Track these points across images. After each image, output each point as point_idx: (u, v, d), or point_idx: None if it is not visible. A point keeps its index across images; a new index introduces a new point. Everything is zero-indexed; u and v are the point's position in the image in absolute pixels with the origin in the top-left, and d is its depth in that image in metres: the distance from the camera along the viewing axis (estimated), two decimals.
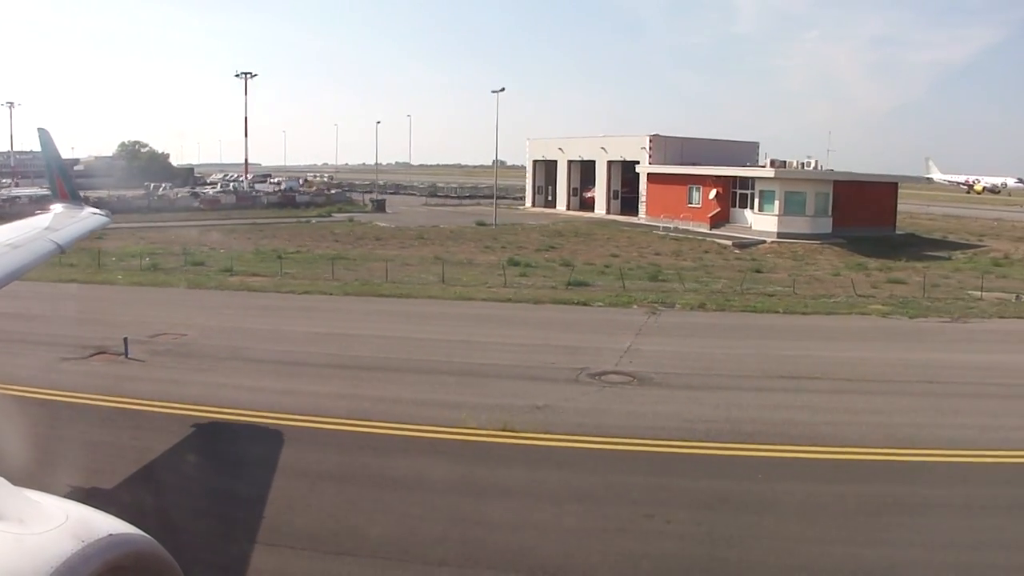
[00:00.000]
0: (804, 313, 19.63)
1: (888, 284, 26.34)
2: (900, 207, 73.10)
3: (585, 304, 19.99)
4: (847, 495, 8.49)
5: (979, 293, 24.02)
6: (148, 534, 2.29)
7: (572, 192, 53.68)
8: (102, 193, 50.68)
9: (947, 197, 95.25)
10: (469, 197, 69.00)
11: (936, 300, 22.74)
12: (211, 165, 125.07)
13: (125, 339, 14.14)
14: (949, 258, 36.87)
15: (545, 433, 10.08)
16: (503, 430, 10.13)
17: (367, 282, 23.63)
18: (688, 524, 7.69)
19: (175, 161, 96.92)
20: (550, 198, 55.72)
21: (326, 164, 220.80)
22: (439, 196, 68.59)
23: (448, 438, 9.92)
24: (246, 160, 72.43)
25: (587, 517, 7.73)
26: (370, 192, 75.32)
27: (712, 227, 40.49)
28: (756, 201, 39.17)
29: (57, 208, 9.41)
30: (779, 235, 37.59)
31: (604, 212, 49.90)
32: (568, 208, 53.22)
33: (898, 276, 28.20)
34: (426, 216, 49.56)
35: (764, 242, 37.04)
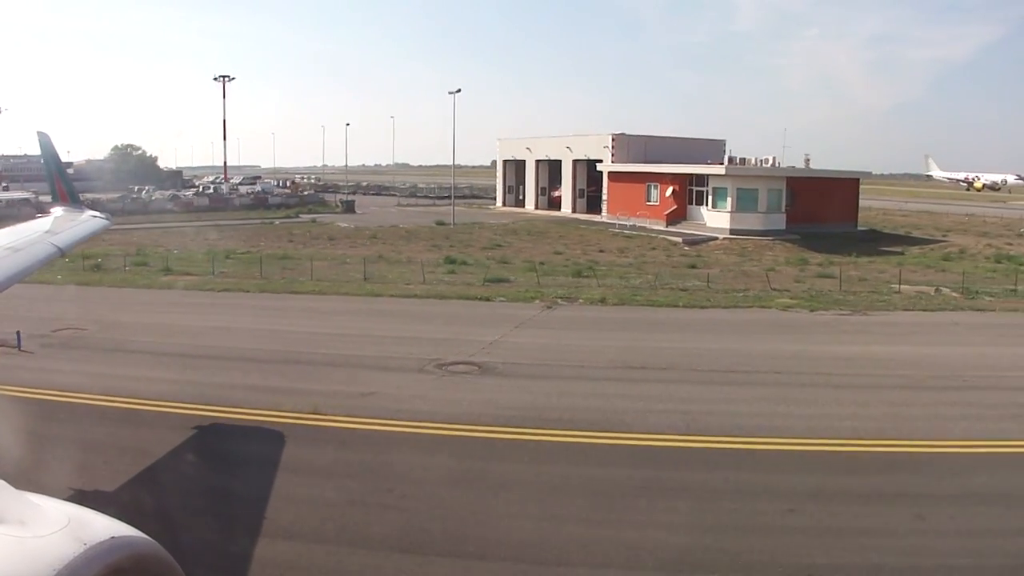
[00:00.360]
0: (703, 307, 19.92)
1: (816, 279, 26.54)
2: (879, 204, 73.38)
3: (488, 300, 20.38)
4: (597, 478, 8.83)
5: (900, 287, 24.22)
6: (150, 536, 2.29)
7: (540, 191, 54.06)
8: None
9: (940, 194, 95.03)
10: (447, 197, 69.50)
11: (852, 294, 22.95)
12: (207, 168, 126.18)
13: (17, 332, 14.78)
14: (902, 253, 36.99)
15: (348, 416, 10.54)
16: (312, 413, 10.61)
17: (294, 280, 24.12)
18: (423, 500, 8.09)
19: (173, 164, 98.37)
20: (520, 198, 56.13)
21: (326, 166, 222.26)
22: (418, 197, 69.08)
23: (252, 419, 10.42)
24: (224, 163, 73.39)
25: (318, 488, 8.19)
26: (353, 193, 76.11)
27: (668, 224, 40.73)
28: (710, 198, 39.38)
29: (57, 211, 9.51)
30: (732, 232, 37.78)
31: (570, 211, 50.22)
32: (536, 207, 53.60)
33: (830, 271, 28.38)
34: (394, 216, 50.08)
35: (716, 239, 37.24)
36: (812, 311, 19.80)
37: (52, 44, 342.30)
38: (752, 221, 38.07)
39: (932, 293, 23.90)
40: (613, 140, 46.73)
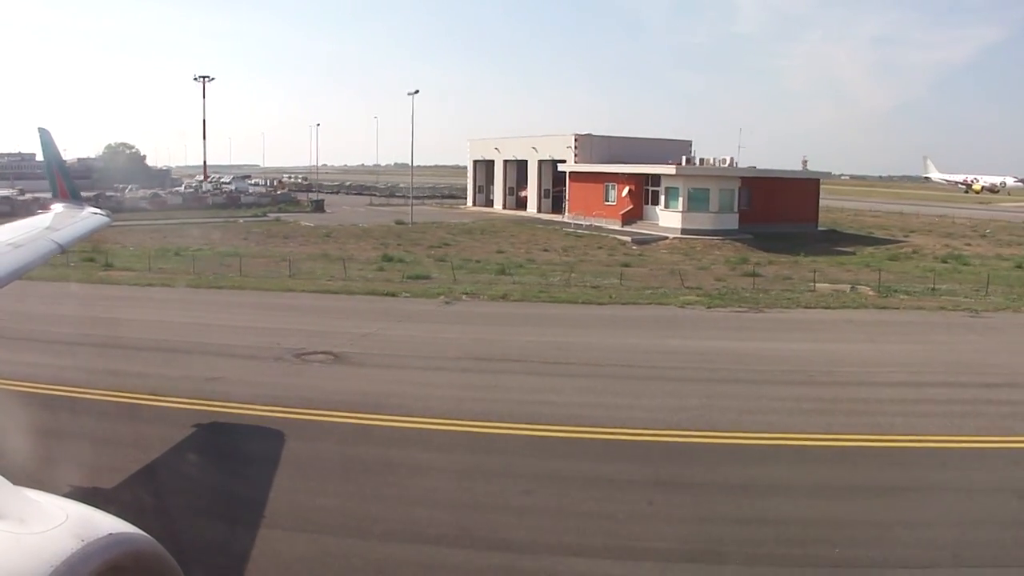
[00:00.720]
0: (601, 304, 20.40)
1: (742, 277, 26.95)
2: (856, 205, 73.37)
3: (394, 295, 20.96)
4: (371, 458, 9.38)
5: (816, 285, 24.62)
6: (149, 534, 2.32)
7: (508, 191, 54.63)
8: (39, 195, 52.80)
9: (928, 196, 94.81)
10: (428, 197, 70.19)
11: (764, 292, 23.37)
12: (209, 167, 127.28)
13: None
14: (854, 253, 37.30)
15: (181, 398, 11.11)
16: (148, 395, 11.24)
17: (222, 276, 24.79)
18: (187, 470, 8.69)
19: (170, 163, 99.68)
20: (490, 198, 56.71)
21: (325, 165, 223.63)
22: (396, 196, 69.81)
23: (90, 398, 11.07)
24: (204, 162, 74.40)
25: (105, 456, 8.81)
26: (336, 193, 76.87)
27: (624, 224, 41.19)
28: (663, 198, 39.82)
29: (58, 208, 9.59)
30: (683, 231, 38.20)
31: (536, 211, 50.75)
32: (504, 207, 54.16)
33: (760, 270, 28.82)
34: (360, 216, 50.75)
35: (666, 238, 37.69)
36: (709, 308, 20.24)
37: (52, 42, 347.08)
38: (703, 221, 38.46)
39: (847, 291, 24.30)
40: (576, 140, 47.23)
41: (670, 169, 39.12)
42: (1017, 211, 66.21)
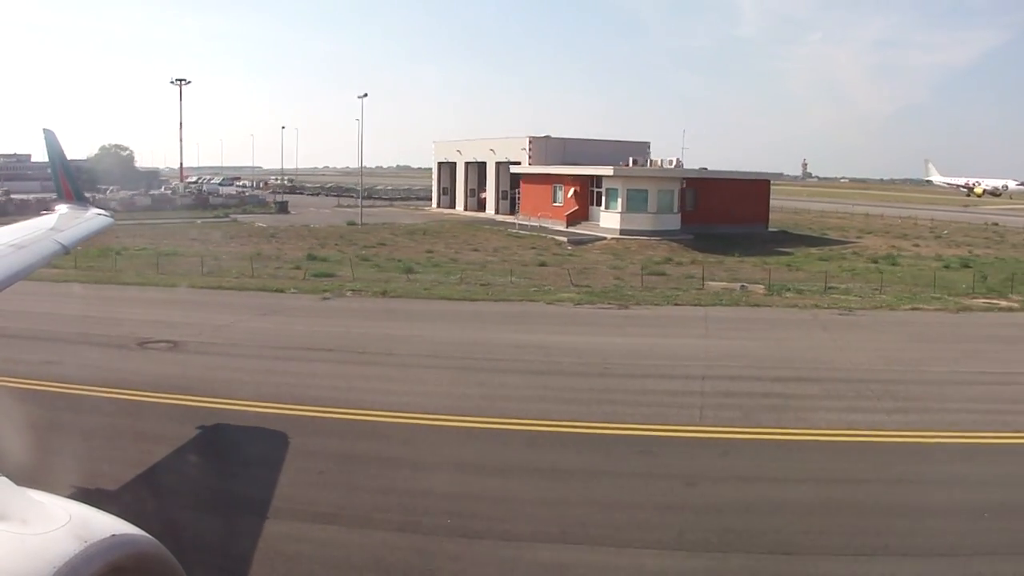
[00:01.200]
0: (474, 300, 21.42)
1: (651, 276, 27.80)
2: (823, 206, 73.57)
3: (281, 291, 22.13)
4: (141, 429, 10.52)
5: (706, 283, 25.50)
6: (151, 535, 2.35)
7: (469, 193, 55.71)
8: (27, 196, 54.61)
9: (923, 199, 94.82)
10: (402, 199, 71.52)
11: (649, 290, 24.25)
12: (202, 168, 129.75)
13: None
14: (792, 253, 37.89)
15: (12, 377, 12.15)
16: None
17: (140, 273, 26.09)
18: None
19: (163, 164, 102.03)
20: (454, 199, 57.84)
21: (327, 167, 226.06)
22: (374, 198, 71.16)
23: None
24: (181, 164, 76.21)
25: None
26: (317, 195, 78.43)
27: (569, 225, 42.11)
28: (604, 199, 40.71)
29: (62, 209, 9.71)
30: (622, 232, 39.02)
31: (494, 212, 51.79)
32: (466, 209, 55.26)
33: (674, 269, 29.69)
34: (322, 217, 52.05)
35: (604, 239, 38.54)
36: (576, 305, 21.19)
37: (49, 42, 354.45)
38: (642, 221, 39.27)
39: (736, 290, 25.11)
40: (530, 143, 48.23)
41: (608, 170, 39.99)
42: (1003, 214, 66.27)
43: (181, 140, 72.79)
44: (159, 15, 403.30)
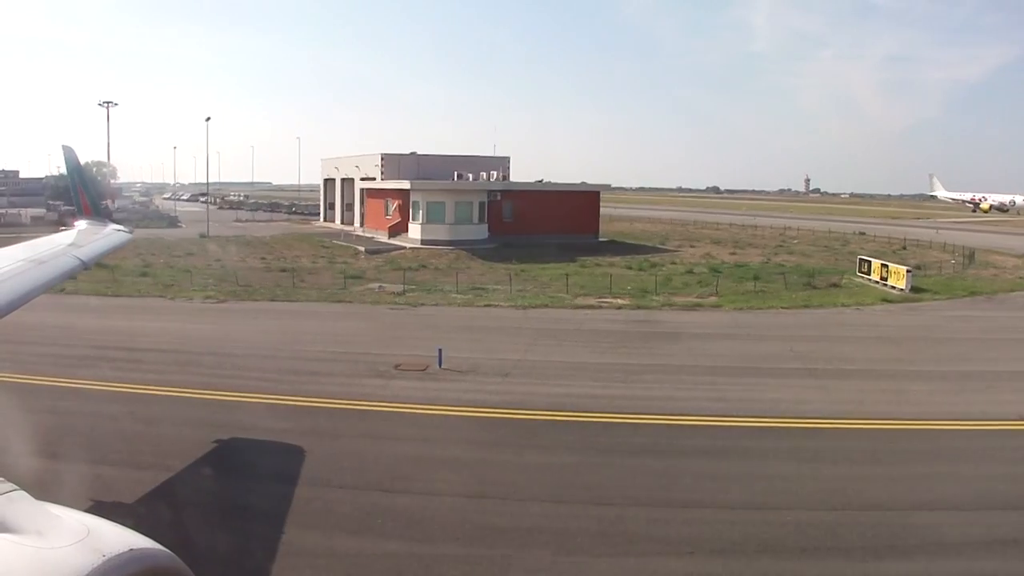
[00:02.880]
0: (163, 297, 26.29)
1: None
2: (734, 219, 74.87)
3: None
4: None
5: (369, 285, 28.83)
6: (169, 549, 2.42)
7: (346, 207, 59.87)
8: None
9: (880, 214, 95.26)
10: (301, 214, 76.61)
11: (318, 289, 27.88)
12: (189, 184, 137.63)
13: None
14: (574, 260, 39.79)
15: None
16: None
17: None
18: None
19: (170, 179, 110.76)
20: (336, 213, 62.23)
21: (308, 185, 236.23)
22: (290, 214, 76.73)
23: None
24: (109, 181, 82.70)
25: None
26: (254, 210, 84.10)
27: (390, 236, 45.94)
28: (411, 212, 44.28)
29: (81, 224, 9.98)
30: (423, 242, 42.53)
31: (359, 225, 55.78)
32: (343, 223, 59.45)
33: (418, 276, 32.63)
34: (202, 229, 56.89)
35: (403, 248, 42.07)
36: (205, 300, 25.10)
37: (44, 57, 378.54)
38: (441, 232, 42.73)
39: (376, 290, 28.01)
40: (382, 159, 52.15)
41: (406, 184, 43.58)
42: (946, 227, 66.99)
43: (109, 158, 79.49)
44: (185, 31, 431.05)
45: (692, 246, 49.39)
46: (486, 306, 25.35)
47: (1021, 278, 35.43)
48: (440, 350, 16.52)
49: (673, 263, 39.76)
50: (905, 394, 15.19)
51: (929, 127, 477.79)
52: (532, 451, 11.75)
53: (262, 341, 19.40)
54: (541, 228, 45.34)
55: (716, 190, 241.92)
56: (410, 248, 42.03)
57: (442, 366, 16.22)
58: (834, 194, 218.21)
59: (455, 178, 47.31)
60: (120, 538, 2.32)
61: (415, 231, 43.76)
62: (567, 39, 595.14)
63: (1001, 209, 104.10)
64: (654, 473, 10.91)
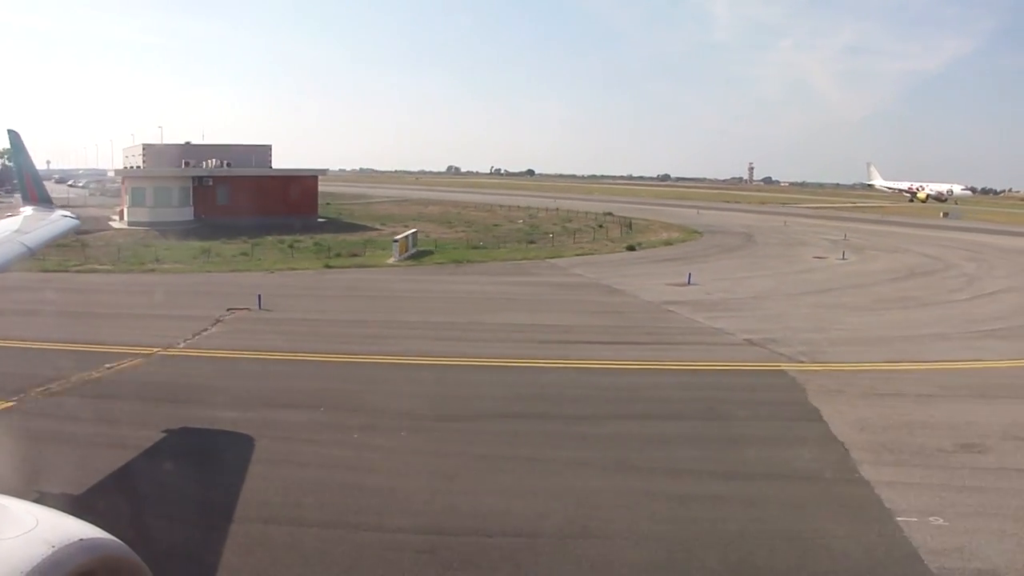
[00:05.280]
0: None
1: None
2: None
3: None
4: None
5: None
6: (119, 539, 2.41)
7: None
8: None
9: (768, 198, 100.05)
10: None
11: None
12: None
13: None
14: (290, 239, 46.00)
15: None
16: None
17: None
18: None
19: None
20: None
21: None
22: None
23: None
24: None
25: None
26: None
27: (120, 220, 53.13)
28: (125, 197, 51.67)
29: (27, 211, 9.86)
30: (129, 223, 49.77)
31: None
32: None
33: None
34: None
35: (110, 229, 49.34)
36: None
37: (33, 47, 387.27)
38: (142, 214, 49.98)
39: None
40: (144, 149, 59.41)
41: (112, 171, 50.89)
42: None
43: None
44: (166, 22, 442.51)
45: (406, 226, 55.74)
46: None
47: (592, 251, 41.27)
48: None
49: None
50: None
51: (882, 118, 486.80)
52: None
53: None
54: (261, 210, 51.91)
55: (667, 178, 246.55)
56: (115, 229, 49.22)
57: None
58: (776, 182, 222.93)
59: (183, 166, 54.34)
60: (70, 529, 2.34)
61: (125, 214, 51.10)
62: (527, 28, 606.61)
63: (939, 199, 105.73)
64: None
